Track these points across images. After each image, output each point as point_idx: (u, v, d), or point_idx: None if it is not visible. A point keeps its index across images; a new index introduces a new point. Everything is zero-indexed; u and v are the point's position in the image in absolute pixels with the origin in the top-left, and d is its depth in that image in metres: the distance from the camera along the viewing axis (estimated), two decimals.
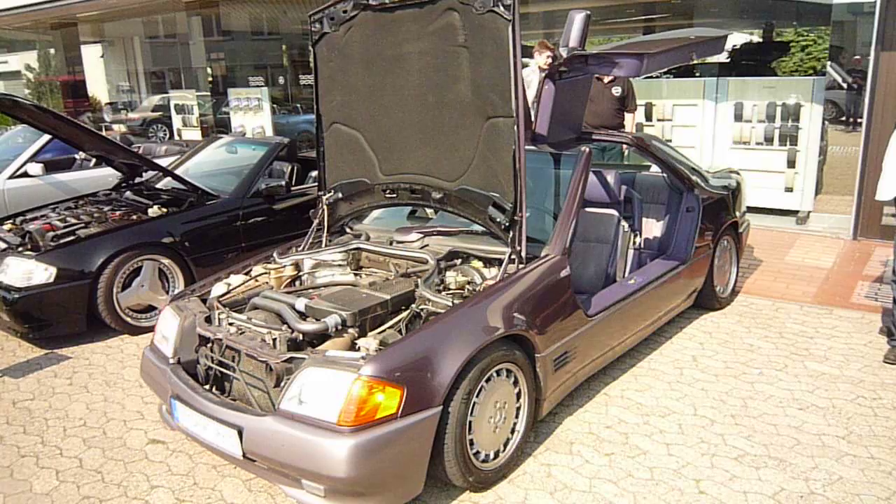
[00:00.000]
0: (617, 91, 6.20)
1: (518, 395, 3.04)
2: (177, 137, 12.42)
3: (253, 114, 11.20)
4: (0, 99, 4.56)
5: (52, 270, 4.38)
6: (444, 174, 3.43)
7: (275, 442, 2.53)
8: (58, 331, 4.57)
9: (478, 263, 3.38)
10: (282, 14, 17.11)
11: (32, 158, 6.61)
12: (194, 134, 12.16)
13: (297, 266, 3.63)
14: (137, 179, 5.90)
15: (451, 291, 3.13)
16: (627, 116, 6.33)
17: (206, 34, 13.43)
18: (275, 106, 12.06)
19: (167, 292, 4.87)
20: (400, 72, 3.46)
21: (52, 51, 20.55)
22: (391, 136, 3.62)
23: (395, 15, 3.37)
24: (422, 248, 3.51)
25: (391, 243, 3.68)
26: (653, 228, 4.70)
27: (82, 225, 4.82)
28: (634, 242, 4.31)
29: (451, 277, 3.21)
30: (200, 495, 2.93)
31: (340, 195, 3.92)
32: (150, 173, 5.87)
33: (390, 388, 2.49)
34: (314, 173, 6.38)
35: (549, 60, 5.62)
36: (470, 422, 2.76)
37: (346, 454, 2.40)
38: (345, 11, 3.54)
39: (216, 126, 12.77)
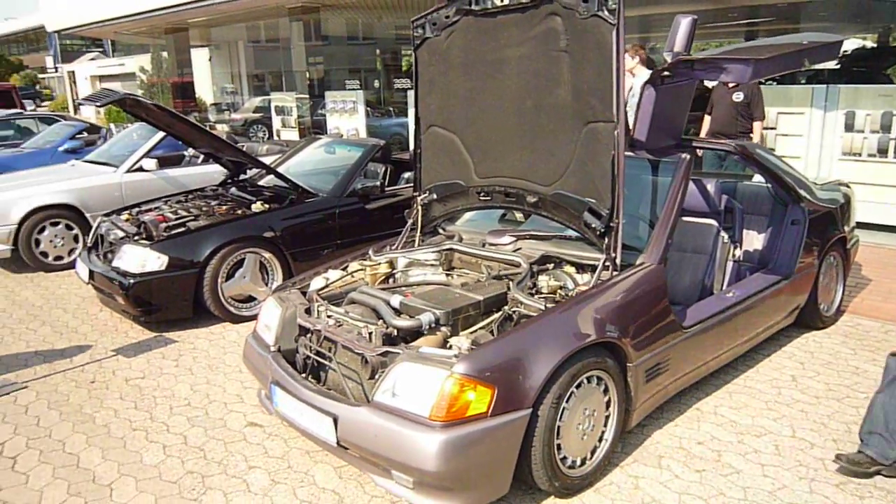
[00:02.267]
0: (738, 97, 6.00)
1: (608, 404, 3.01)
2: (276, 138, 12.94)
3: (348, 116, 11.53)
4: (124, 98, 4.90)
5: (165, 259, 4.68)
6: (539, 178, 3.44)
7: (368, 432, 2.62)
8: (166, 315, 4.87)
9: (570, 269, 3.36)
10: (376, 20, 17.56)
11: (147, 154, 7.06)
12: (292, 135, 12.64)
13: (392, 264, 3.73)
14: (242, 176, 6.21)
15: (543, 295, 3.13)
16: (755, 125, 6.11)
17: (306, 39, 13.94)
18: (368, 109, 12.36)
19: (266, 284, 5.10)
20: (499, 76, 3.50)
21: (164, 54, 21.87)
22: (487, 139, 3.66)
23: (497, 20, 3.41)
24: (514, 251, 3.53)
25: (483, 245, 3.72)
26: (754, 241, 4.53)
27: (192, 217, 5.12)
28: (734, 254, 4.17)
29: (544, 281, 3.22)
30: (294, 478, 3.06)
31: (435, 196, 3.99)
32: (254, 171, 6.16)
33: (481, 387, 2.52)
34: (406, 175, 6.52)
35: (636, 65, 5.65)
36: (558, 427, 2.76)
37: (436, 448, 2.45)
38: (447, 17, 3.61)
39: (313, 127, 13.23)
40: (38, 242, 6.45)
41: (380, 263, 3.69)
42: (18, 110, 14.72)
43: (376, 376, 2.75)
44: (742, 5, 13.28)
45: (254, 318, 4.92)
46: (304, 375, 3.05)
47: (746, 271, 4.26)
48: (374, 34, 21.77)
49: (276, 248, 5.08)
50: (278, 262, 5.10)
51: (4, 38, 59.53)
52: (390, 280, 3.67)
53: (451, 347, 2.78)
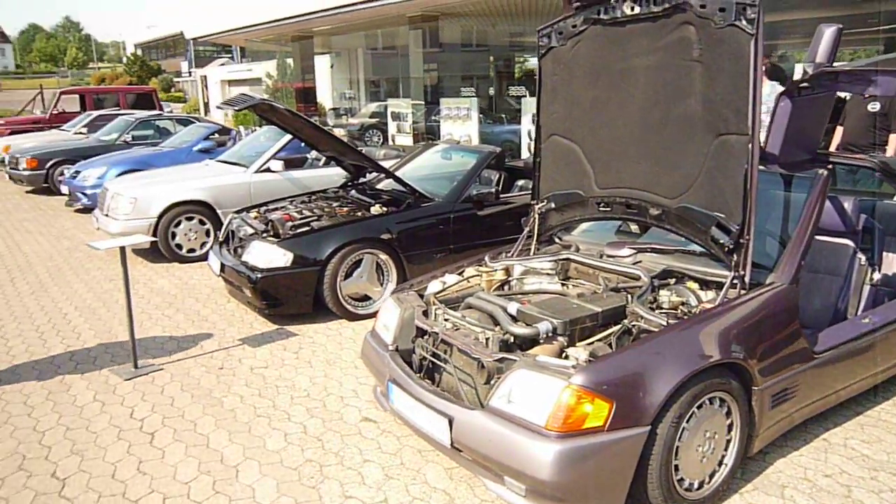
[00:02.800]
0: (874, 107, 5.62)
1: (729, 428, 2.90)
2: (390, 142, 13.30)
3: (462, 123, 11.69)
4: (260, 103, 5.20)
5: (290, 256, 4.94)
6: (664, 191, 3.36)
7: (482, 436, 2.66)
8: (288, 309, 5.13)
9: (693, 285, 3.27)
10: (490, 27, 17.67)
11: (275, 156, 7.47)
12: (407, 140, 12.95)
13: (508, 271, 3.76)
14: (361, 180, 6.44)
15: (664, 311, 3.06)
16: (892, 137, 5.71)
17: (423, 46, 14.26)
18: (481, 116, 12.47)
19: (382, 284, 5.26)
20: (626, 86, 3.45)
21: (288, 61, 23.01)
22: (610, 149, 3.62)
23: (627, 29, 3.36)
24: (634, 263, 3.46)
25: (601, 256, 3.68)
26: (894, 264, 4.21)
27: (315, 218, 5.37)
28: (871, 278, 3.90)
29: (665, 296, 3.15)
30: (406, 475, 3.14)
31: (553, 205, 3.99)
32: (373, 174, 6.37)
33: (599, 400, 2.50)
34: (520, 182, 6.54)
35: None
36: (677, 447, 2.69)
37: (551, 458, 2.45)
38: (574, 26, 3.60)
39: (426, 133, 13.50)
40: (174, 235, 6.97)
41: (496, 270, 3.73)
42: (158, 112, 15.91)
43: (492, 381, 2.79)
44: (885, 10, 12.35)
45: (369, 316, 5.12)
46: (419, 375, 3.14)
47: (885, 296, 3.97)
48: (488, 41, 21.90)
49: (392, 250, 5.23)
50: (394, 264, 5.25)
51: (146, 44, 64.61)
52: (506, 287, 3.70)
53: (568, 358, 2.77)
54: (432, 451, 3.28)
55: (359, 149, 8.45)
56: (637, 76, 3.39)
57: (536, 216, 4.04)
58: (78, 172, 9.85)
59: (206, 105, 32.59)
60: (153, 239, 6.61)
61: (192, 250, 7.08)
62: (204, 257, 7.02)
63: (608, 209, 3.71)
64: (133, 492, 3.07)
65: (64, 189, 10.30)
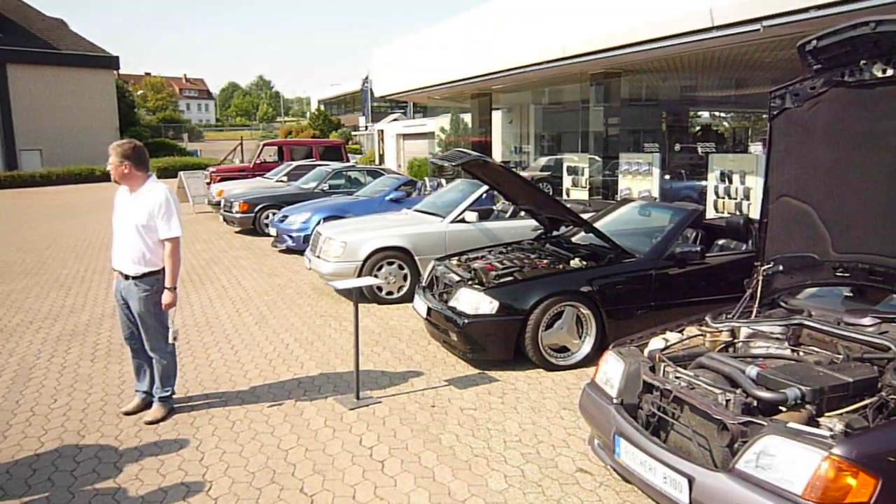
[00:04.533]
0: None
1: None
2: (565, 196, 13.45)
3: (641, 178, 11.61)
4: (474, 159, 5.52)
5: (496, 304, 5.17)
6: None
7: (728, 499, 2.63)
8: (489, 355, 5.34)
9: None
10: (661, 81, 17.46)
11: (469, 207, 7.87)
12: (581, 194, 13.03)
13: (733, 332, 3.70)
14: (555, 232, 6.61)
15: None
16: None
17: (598, 101, 14.39)
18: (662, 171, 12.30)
19: (580, 337, 5.34)
20: (871, 148, 3.34)
21: (462, 116, 24.11)
22: (851, 213, 3.49)
23: (875, 91, 3.27)
24: (880, 333, 3.28)
25: (839, 324, 3.52)
26: None
27: (517, 268, 5.58)
28: None
29: None
30: None
31: (780, 268, 3.88)
32: (567, 228, 6.52)
33: (864, 474, 2.40)
34: (720, 242, 6.38)
35: None
36: None
37: None
38: (813, 87, 3.56)
39: (601, 188, 13.52)
40: (375, 278, 7.50)
41: (720, 331, 3.68)
42: (350, 164, 17.26)
43: (735, 445, 2.76)
44: None
45: (567, 367, 5.21)
46: (647, 431, 3.16)
47: None
48: (658, 95, 21.64)
49: (593, 304, 5.30)
50: (593, 318, 5.31)
51: (328, 100, 70.45)
52: (730, 349, 3.64)
53: (819, 427, 2.68)
54: None
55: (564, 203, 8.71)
56: (885, 139, 3.28)
57: (761, 278, 3.95)
58: (285, 217, 10.94)
59: (381, 157, 34.78)
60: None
61: (390, 293, 7.58)
62: (401, 300, 7.49)
63: (847, 275, 3.56)
64: None
65: (271, 231, 11.44)
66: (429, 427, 4.33)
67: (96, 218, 16.37)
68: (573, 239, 6.42)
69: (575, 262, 5.65)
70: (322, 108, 66.62)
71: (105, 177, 26.44)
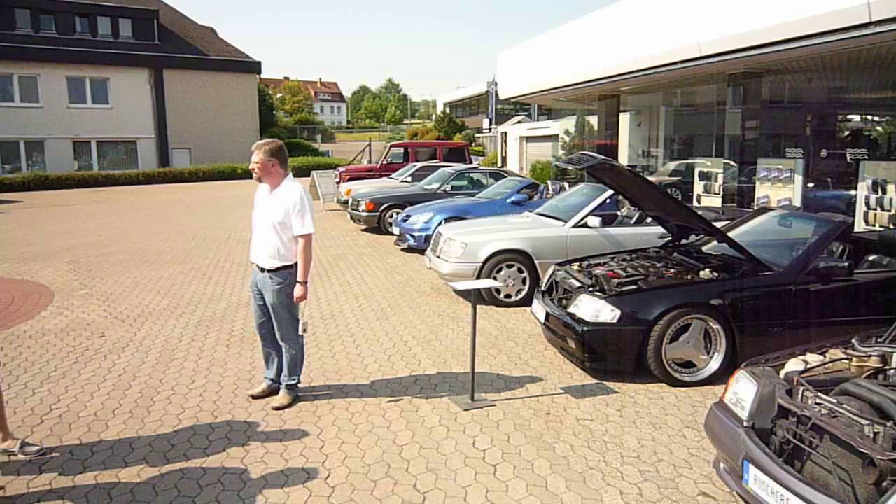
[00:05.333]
0: None
1: None
2: (695, 203, 12.82)
3: (782, 185, 10.85)
4: (601, 162, 5.35)
5: (618, 313, 5.00)
6: None
7: None
8: (608, 365, 5.18)
9: None
10: (805, 83, 16.20)
11: (593, 212, 7.68)
12: (714, 201, 12.37)
13: (884, 358, 3.36)
14: (684, 241, 6.31)
15: None
16: None
17: (734, 104, 13.59)
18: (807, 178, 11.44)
19: (708, 353, 5.06)
20: None
21: (588, 118, 23.62)
22: None
23: None
24: None
25: None
26: None
27: (641, 277, 5.37)
28: None
29: None
30: None
31: None
32: (697, 236, 6.20)
33: None
34: (871, 257, 5.84)
35: None
36: None
37: None
38: None
39: (737, 195, 12.76)
40: (494, 280, 7.50)
41: (869, 356, 3.36)
42: (473, 165, 17.40)
43: (884, 483, 2.50)
44: None
45: (692, 384, 4.97)
46: (780, 459, 2.93)
47: None
48: (802, 97, 20.13)
49: (724, 318, 5.00)
50: (723, 333, 5.01)
51: (453, 103, 71.47)
52: (880, 376, 3.30)
53: None
54: None
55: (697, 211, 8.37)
56: None
57: None
58: (409, 216, 11.19)
59: (504, 159, 34.80)
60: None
61: (508, 296, 7.54)
62: (519, 303, 7.44)
63: None
64: None
65: (395, 230, 11.74)
66: (543, 434, 4.26)
67: (236, 213, 17.52)
68: (704, 248, 6.10)
69: (705, 273, 5.36)
70: (447, 110, 67.67)
71: (245, 174, 28.25)
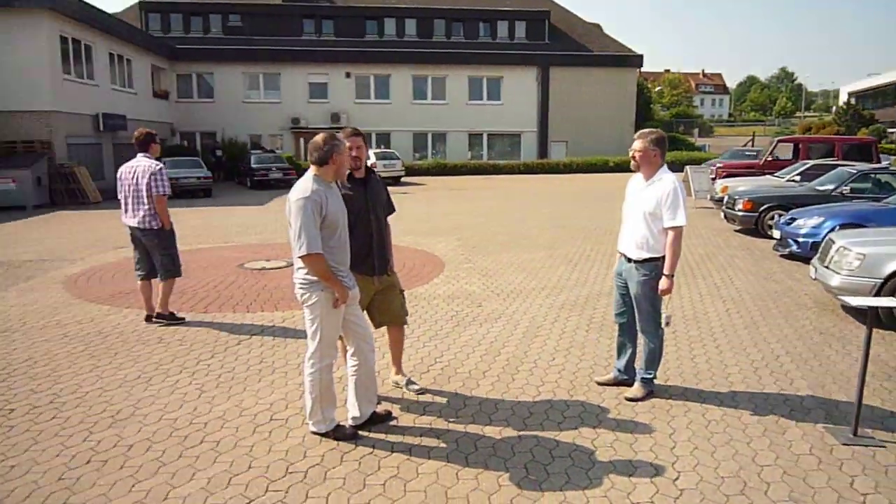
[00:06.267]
0: None
1: None
2: None
3: None
4: None
5: None
6: None
7: None
8: None
9: None
10: None
11: None
12: None
13: None
14: None
15: None
16: None
17: None
18: None
19: None
20: None
21: None
22: None
23: None
24: None
25: None
26: None
27: None
28: None
29: None
30: None
31: None
32: None
33: None
34: None
35: None
36: None
37: None
38: None
39: None
40: None
41: None
42: (881, 165, 14.88)
43: None
44: None
45: None
46: None
47: None
48: None
49: None
50: None
51: (861, 92, 61.50)
52: None
53: None
54: None
55: None
56: None
57: None
58: (793, 219, 10.06)
59: None
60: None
61: None
62: None
63: None
64: None
65: (775, 233, 10.68)
66: None
67: (605, 205, 17.91)
68: None
69: None
70: (852, 101, 58.56)
71: (616, 167, 28.97)
